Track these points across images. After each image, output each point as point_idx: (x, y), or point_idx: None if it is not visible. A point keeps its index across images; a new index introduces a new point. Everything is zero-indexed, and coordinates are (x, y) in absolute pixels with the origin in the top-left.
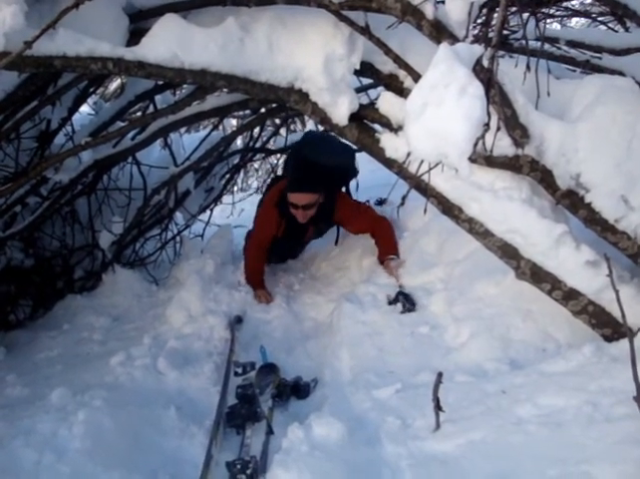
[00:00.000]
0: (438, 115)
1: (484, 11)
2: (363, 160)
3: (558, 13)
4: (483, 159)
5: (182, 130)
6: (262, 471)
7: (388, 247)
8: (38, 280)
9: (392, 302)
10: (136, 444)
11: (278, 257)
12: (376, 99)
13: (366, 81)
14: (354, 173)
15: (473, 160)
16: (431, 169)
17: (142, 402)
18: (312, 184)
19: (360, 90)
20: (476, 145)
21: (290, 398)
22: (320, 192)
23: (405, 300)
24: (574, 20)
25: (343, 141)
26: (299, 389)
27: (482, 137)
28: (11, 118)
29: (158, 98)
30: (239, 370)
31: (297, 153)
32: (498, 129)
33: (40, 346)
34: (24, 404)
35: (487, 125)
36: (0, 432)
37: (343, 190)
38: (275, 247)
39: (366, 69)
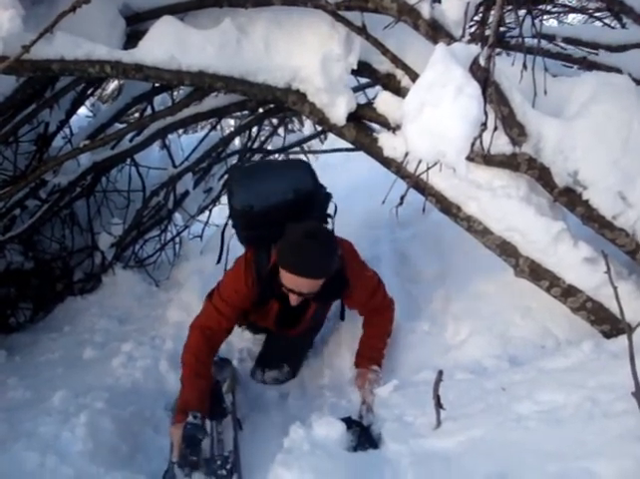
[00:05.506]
0: (435, 115)
1: (481, 9)
2: (360, 158)
3: (555, 10)
4: (481, 157)
5: (181, 131)
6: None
7: (373, 351)
8: (38, 283)
9: (349, 428)
10: (137, 445)
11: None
12: (374, 98)
13: (364, 79)
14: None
15: (470, 158)
16: (429, 168)
17: (143, 403)
18: (329, 258)
19: (358, 89)
20: (473, 144)
21: None
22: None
23: (362, 435)
24: (571, 16)
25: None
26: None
27: (480, 136)
28: (9, 121)
29: (155, 99)
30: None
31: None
32: (496, 128)
33: (41, 349)
34: (26, 407)
35: (485, 124)
36: (2, 435)
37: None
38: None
39: (363, 69)
